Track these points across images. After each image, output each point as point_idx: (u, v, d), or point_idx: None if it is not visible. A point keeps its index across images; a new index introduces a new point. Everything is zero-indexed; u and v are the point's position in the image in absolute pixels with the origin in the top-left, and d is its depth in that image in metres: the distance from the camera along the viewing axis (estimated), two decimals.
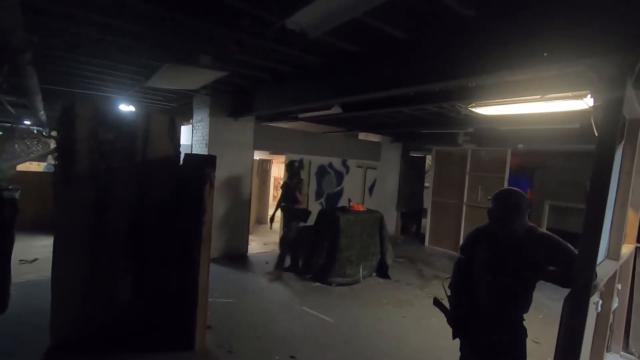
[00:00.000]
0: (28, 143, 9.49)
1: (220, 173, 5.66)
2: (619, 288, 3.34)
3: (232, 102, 5.72)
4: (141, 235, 3.24)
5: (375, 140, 8.78)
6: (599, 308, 2.61)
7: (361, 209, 5.62)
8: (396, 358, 3.24)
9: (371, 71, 3.24)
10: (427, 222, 8.05)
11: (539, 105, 3.82)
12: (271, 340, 3.40)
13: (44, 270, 3.05)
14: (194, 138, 6.16)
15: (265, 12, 2.47)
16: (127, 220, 3.17)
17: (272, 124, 6.98)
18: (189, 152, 5.97)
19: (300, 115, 6.00)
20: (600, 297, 2.62)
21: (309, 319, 3.92)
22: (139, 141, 3.20)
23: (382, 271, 5.51)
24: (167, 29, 2.94)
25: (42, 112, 6.94)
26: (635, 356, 3.48)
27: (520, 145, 6.85)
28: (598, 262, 2.18)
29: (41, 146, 9.40)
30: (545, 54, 2.13)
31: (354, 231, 5.10)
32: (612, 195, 2.39)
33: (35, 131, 10.10)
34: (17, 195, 2.74)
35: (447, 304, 2.28)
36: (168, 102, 6.90)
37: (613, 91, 1.74)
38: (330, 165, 7.44)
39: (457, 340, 2.25)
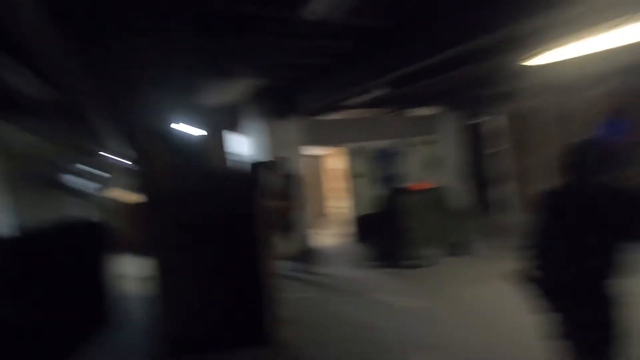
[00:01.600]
0: (115, 174, 10.61)
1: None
2: None
3: (277, 104, 5.81)
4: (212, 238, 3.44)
5: (431, 113, 8.27)
6: None
7: (426, 187, 5.37)
8: (481, 335, 3.05)
9: (411, 39, 3.04)
10: (503, 191, 7.38)
11: (622, 33, 3.22)
12: (349, 330, 3.42)
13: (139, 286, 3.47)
14: (251, 145, 6.43)
15: (278, 11, 2.46)
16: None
17: (324, 118, 6.96)
18: (257, 160, 6.19)
19: (348, 103, 5.89)
20: None
21: (387, 305, 3.85)
22: (205, 160, 3.41)
23: (458, 248, 5.21)
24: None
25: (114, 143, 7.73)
26: None
27: (613, 85, 5.86)
28: None
29: (122, 176, 10.44)
30: None
31: (421, 211, 4.90)
32: None
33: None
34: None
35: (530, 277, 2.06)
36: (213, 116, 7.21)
37: None
38: (389, 148, 7.23)
39: (547, 316, 2.02)
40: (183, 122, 7.07)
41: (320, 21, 2.39)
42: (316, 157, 9.47)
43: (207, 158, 3.20)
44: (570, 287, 1.88)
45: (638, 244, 1.67)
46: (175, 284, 3.26)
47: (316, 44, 3.26)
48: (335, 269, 5.24)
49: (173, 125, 6.94)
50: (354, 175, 6.78)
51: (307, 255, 6.02)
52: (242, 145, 6.83)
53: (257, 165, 3.28)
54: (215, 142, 3.18)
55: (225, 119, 7.17)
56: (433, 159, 8.02)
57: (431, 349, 2.95)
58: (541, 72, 5.10)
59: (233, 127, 6.93)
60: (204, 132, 3.43)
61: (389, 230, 4.98)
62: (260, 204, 3.08)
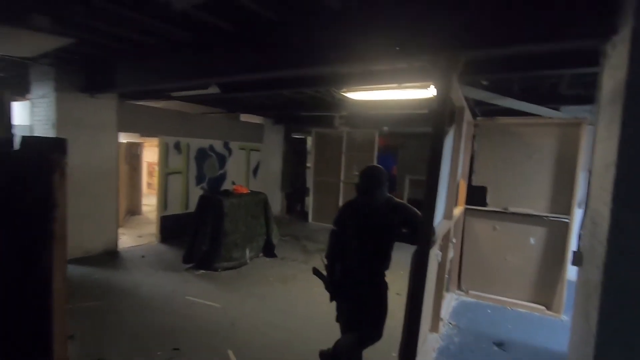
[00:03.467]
0: None
1: (76, 159, 4.85)
2: (454, 241, 4.22)
3: (86, 75, 4.85)
4: None
5: (258, 122, 8.73)
6: (439, 258, 3.27)
7: (245, 192, 5.59)
8: (282, 328, 3.43)
9: (245, 52, 3.19)
10: (310, 201, 8.53)
11: (396, 92, 4.40)
12: (151, 337, 3.18)
13: None
14: (34, 118, 5.04)
15: None
16: None
17: (140, 103, 6.22)
18: (31, 134, 4.88)
19: (174, 94, 5.51)
20: (440, 250, 3.28)
21: (194, 308, 3.79)
22: None
23: (268, 251, 5.65)
24: None
25: None
26: (465, 292, 4.47)
27: (385, 128, 7.79)
28: (437, 222, 2.72)
29: None
30: (397, 48, 2.47)
31: (238, 214, 5.06)
32: (446, 169, 2.98)
33: None
34: None
35: (325, 273, 2.53)
36: None
37: (442, 83, 2.15)
38: (211, 147, 7.12)
39: (335, 303, 2.53)
40: None
41: (163, 2, 2.22)
42: (135, 146, 8.27)
43: None
44: (348, 279, 2.43)
45: (408, 243, 2.29)
46: None
47: (151, 22, 2.96)
48: (140, 273, 4.72)
49: None
50: (169, 171, 6.31)
51: (107, 257, 5.19)
52: (23, 114, 5.27)
53: (48, 144, 2.63)
54: None
55: (6, 76, 5.37)
56: (256, 165, 8.43)
57: (236, 346, 3.10)
58: (349, 105, 6.31)
59: (17, 89, 5.27)
60: None
61: (205, 232, 4.89)
62: (57, 189, 2.49)
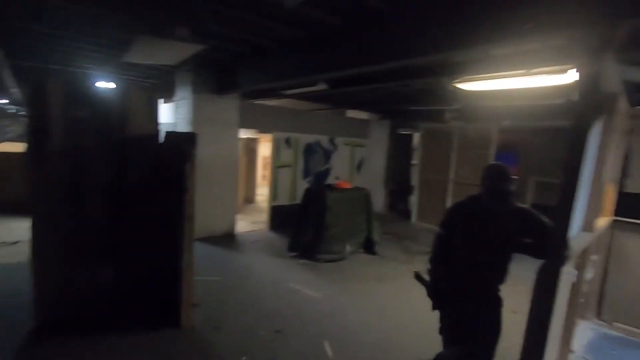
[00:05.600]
0: (6, 122, 9.18)
1: (205, 151, 5.58)
2: (595, 259, 3.46)
3: (215, 78, 5.56)
4: (121, 215, 3.19)
5: (364, 117, 8.70)
6: (574, 278, 2.70)
7: (348, 187, 5.63)
8: (376, 328, 3.34)
9: (353, 45, 3.16)
10: (414, 199, 8.14)
11: (523, 80, 3.79)
12: (257, 316, 3.46)
13: (26, 252, 3.04)
14: (177, 116, 6.02)
15: None
16: (106, 200, 3.11)
17: (257, 102, 6.85)
18: (173, 130, 5.84)
19: (286, 92, 5.87)
20: (575, 268, 2.71)
21: (295, 295, 3.99)
22: (114, 119, 3.09)
23: (368, 247, 5.59)
24: None
25: (14, 90, 6.66)
26: (607, 323, 3.64)
27: (506, 122, 6.87)
28: (572, 234, 2.24)
29: (18, 126, 9.08)
30: (527, 26, 2.10)
31: (340, 208, 5.12)
32: (588, 170, 2.42)
33: (10, 110, 9.73)
34: None
35: (428, 278, 2.33)
36: (149, 78, 6.68)
37: (591, 64, 1.72)
38: (318, 143, 7.39)
39: (437, 312, 2.31)
40: (109, 79, 6.32)
41: (276, 2, 2.34)
42: (252, 141, 9.23)
43: (127, 117, 2.90)
44: (454, 290, 2.18)
45: (532, 256, 1.95)
46: (53, 254, 2.91)
47: (266, 24, 3.18)
48: (252, 256, 5.22)
49: (95, 81, 6.16)
50: (279, 165, 6.78)
51: (227, 238, 5.91)
52: (170, 113, 6.35)
53: (183, 138, 3.09)
54: (142, 103, 2.88)
55: (158, 82, 6.60)
56: (360, 161, 8.45)
57: (331, 338, 3.13)
58: (463, 97, 5.75)
59: (166, 93, 6.40)
60: (126, 89, 3.10)
61: (308, 224, 5.10)
62: (188, 176, 2.92)
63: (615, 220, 3.56)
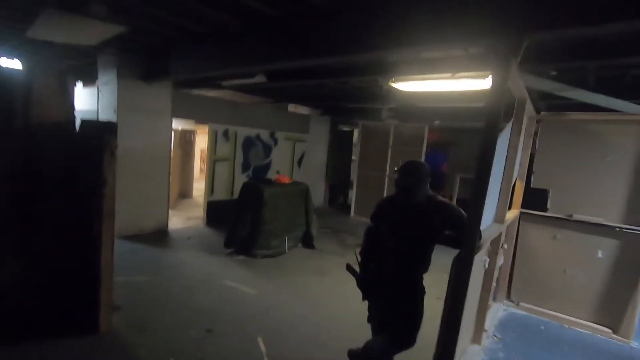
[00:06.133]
0: None
1: (133, 142, 5.19)
2: (505, 247, 3.86)
3: (145, 63, 5.14)
4: (29, 211, 2.82)
5: (305, 112, 8.73)
6: (486, 265, 2.99)
7: (287, 181, 5.60)
8: (313, 322, 3.38)
9: (289, 38, 3.12)
10: (353, 194, 8.39)
11: (450, 83, 4.08)
12: (188, 315, 3.30)
13: None
14: (100, 103, 5.46)
15: None
16: (6, 194, 2.72)
17: (194, 91, 6.50)
18: (95, 118, 5.31)
19: (224, 83, 5.65)
20: (488, 256, 3.00)
21: (231, 292, 3.88)
22: (18, 102, 2.70)
23: (307, 242, 5.64)
24: None
25: None
26: (515, 303, 4.10)
27: (437, 122, 7.37)
28: (485, 225, 2.46)
29: None
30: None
31: (278, 203, 5.08)
32: (499, 168, 2.69)
33: None
34: None
35: (359, 270, 2.41)
36: (67, 59, 5.96)
37: (501, 72, 1.90)
38: (258, 137, 7.25)
39: (367, 302, 2.41)
40: (15, 57, 5.48)
41: None
42: (189, 132, 8.73)
43: (34, 102, 2.53)
44: (381, 279, 2.28)
45: (450, 246, 2.09)
46: None
47: (197, 8, 3.00)
48: (186, 253, 4.96)
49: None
50: (216, 159, 6.53)
51: (158, 236, 5.54)
52: (90, 99, 5.75)
53: (101, 127, 2.80)
54: (53, 86, 2.53)
55: (77, 63, 5.90)
56: (300, 156, 8.46)
57: (267, 334, 3.11)
58: (398, 96, 6.04)
59: (86, 76, 5.76)
60: (34, 70, 2.68)
61: (245, 219, 4.99)
62: (107, 168, 2.66)
63: (522, 213, 4.02)
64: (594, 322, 3.70)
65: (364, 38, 2.67)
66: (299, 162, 8.46)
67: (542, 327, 3.70)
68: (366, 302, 2.41)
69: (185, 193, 8.69)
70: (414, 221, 2.15)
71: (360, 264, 2.39)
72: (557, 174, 3.91)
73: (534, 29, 1.95)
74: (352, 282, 2.40)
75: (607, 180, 3.64)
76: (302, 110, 8.73)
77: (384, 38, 2.56)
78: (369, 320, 2.39)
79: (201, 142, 10.08)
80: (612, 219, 3.62)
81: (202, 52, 4.06)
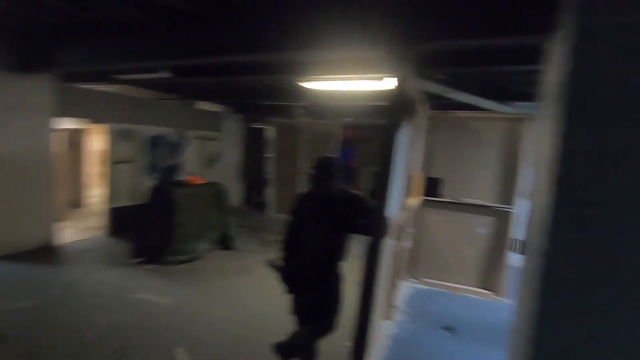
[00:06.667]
0: None
1: (4, 147, 4.38)
2: (411, 231, 4.33)
3: (19, 52, 4.34)
4: None
5: (216, 110, 8.41)
6: (394, 249, 3.33)
7: (200, 182, 5.36)
8: (238, 323, 3.34)
9: (198, 34, 3.00)
10: (269, 192, 8.40)
11: (357, 83, 4.39)
12: (94, 336, 2.96)
13: None
14: None
15: None
16: None
17: (85, 86, 5.72)
18: None
19: (121, 77, 5.12)
20: (395, 240, 3.34)
21: (143, 305, 3.59)
22: None
23: (225, 243, 5.49)
24: None
25: None
26: (420, 280, 4.63)
27: (347, 119, 7.81)
28: (392, 213, 2.75)
29: None
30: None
31: (191, 205, 4.84)
32: (401, 161, 3.01)
33: None
34: None
35: (281, 265, 2.46)
36: None
37: (397, 74, 2.14)
38: (164, 136, 6.75)
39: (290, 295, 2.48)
40: None
41: None
42: (79, 133, 7.61)
43: None
44: (303, 271, 2.38)
45: (361, 235, 2.26)
46: None
47: None
48: (84, 269, 4.39)
49: None
50: (117, 161, 5.90)
51: (45, 252, 4.77)
52: None
53: None
54: None
55: None
56: (213, 155, 8.13)
57: (189, 343, 2.97)
58: (310, 95, 6.23)
59: None
60: None
61: (155, 225, 4.64)
62: None
63: (424, 199, 4.55)
64: (479, 287, 4.41)
65: (275, 39, 2.71)
66: (212, 162, 8.13)
67: (442, 298, 4.26)
68: (290, 295, 2.49)
69: (78, 201, 7.62)
70: (330, 213, 2.29)
71: (283, 259, 2.45)
72: (447, 165, 4.53)
73: (425, 39, 2.23)
74: (274, 278, 2.45)
75: (483, 169, 4.35)
76: (213, 107, 8.39)
77: (294, 40, 2.65)
78: (293, 312, 2.48)
79: (97, 143, 8.94)
80: (488, 200, 4.34)
81: (99, 43, 3.63)
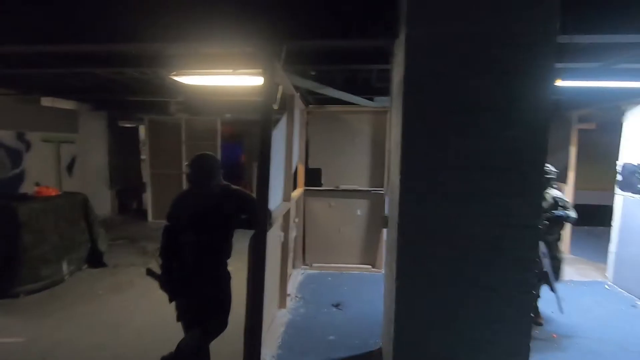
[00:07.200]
0: None
1: None
2: (296, 221, 4.53)
3: None
4: None
5: (69, 107, 7.13)
6: (282, 239, 3.45)
7: (54, 194, 4.53)
8: (115, 346, 2.99)
9: (34, 14, 2.51)
10: (148, 197, 7.62)
11: (232, 78, 4.31)
12: None
13: None
14: None
15: None
16: None
17: None
18: None
19: None
20: (282, 230, 3.46)
21: None
22: None
23: (95, 260, 4.79)
24: None
25: None
26: (309, 266, 4.90)
27: (228, 115, 7.60)
28: (275, 205, 2.83)
29: None
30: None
31: (44, 222, 4.05)
32: (280, 154, 3.12)
33: None
34: None
35: (160, 272, 2.30)
36: None
37: (267, 70, 2.21)
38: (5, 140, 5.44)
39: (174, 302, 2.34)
40: None
41: None
42: None
43: None
44: (186, 275, 2.28)
45: (247, 229, 2.26)
46: None
47: None
48: None
49: None
50: None
51: None
52: None
53: None
54: None
55: None
56: (70, 160, 6.91)
57: None
58: (185, 90, 5.83)
59: None
60: None
61: None
62: None
63: (305, 190, 4.80)
64: (360, 264, 4.91)
65: (140, 27, 2.46)
66: (69, 169, 6.91)
67: (329, 279, 4.61)
68: (174, 303, 2.35)
69: None
70: (211, 211, 2.24)
71: (162, 265, 2.30)
72: (325, 155, 4.87)
73: (287, 38, 2.34)
74: (157, 289, 2.28)
75: (356, 157, 4.83)
76: (65, 104, 7.09)
77: (162, 31, 2.45)
78: (179, 318, 2.35)
79: None
80: (363, 185, 4.85)
81: None
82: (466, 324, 1.89)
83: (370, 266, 4.88)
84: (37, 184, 5.08)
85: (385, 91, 5.26)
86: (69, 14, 2.48)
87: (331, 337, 3.19)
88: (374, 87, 5.19)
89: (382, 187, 4.78)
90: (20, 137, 5.82)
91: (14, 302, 3.71)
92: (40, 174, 6.10)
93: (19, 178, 5.77)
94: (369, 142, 4.82)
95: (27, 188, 5.60)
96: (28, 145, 5.94)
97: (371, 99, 5.36)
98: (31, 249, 3.87)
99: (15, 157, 5.73)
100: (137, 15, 2.45)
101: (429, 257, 1.89)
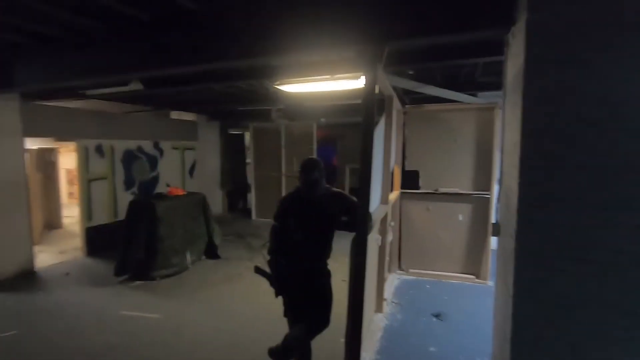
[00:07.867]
0: None
1: None
2: (392, 224, 4.43)
3: None
4: None
5: (190, 119, 8.30)
6: (379, 242, 3.41)
7: (181, 193, 5.29)
8: (229, 331, 3.34)
9: (167, 44, 2.98)
10: (252, 197, 8.36)
11: (330, 83, 4.45)
12: (85, 359, 2.89)
13: None
14: None
15: None
16: None
17: (51, 104, 5.54)
18: None
19: (88, 92, 4.98)
20: (379, 234, 3.43)
21: (130, 322, 3.52)
22: None
23: (211, 252, 5.44)
24: None
25: None
26: (405, 271, 4.74)
27: (323, 119, 7.87)
28: (373, 208, 2.82)
29: None
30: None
31: (174, 217, 4.78)
32: (379, 156, 3.09)
33: None
34: None
35: (268, 269, 2.49)
36: None
37: (369, 73, 2.21)
38: (140, 149, 6.61)
39: (281, 298, 2.50)
40: None
41: None
42: (49, 152, 7.34)
43: None
44: (292, 272, 2.41)
45: (347, 231, 2.31)
46: None
47: (47, 10, 2.62)
48: (65, 292, 4.26)
49: None
50: (91, 178, 5.74)
51: (22, 279, 4.58)
52: None
53: None
54: None
55: None
56: (192, 165, 8.02)
57: (180, 356, 2.95)
58: (285, 97, 6.25)
59: None
60: None
61: (138, 240, 4.55)
62: None
63: (402, 193, 4.67)
64: (461, 273, 4.56)
65: (246, 45, 2.73)
66: (191, 172, 8.02)
67: (428, 286, 4.38)
68: (280, 298, 2.51)
69: (52, 223, 7.36)
70: (318, 213, 2.34)
71: (270, 262, 2.48)
72: (423, 157, 4.66)
73: (391, 38, 2.31)
74: (264, 284, 2.47)
75: (458, 158, 4.50)
76: (188, 116, 8.28)
77: (264, 45, 2.67)
78: (285, 314, 2.51)
79: (67, 161, 8.65)
80: (465, 188, 4.50)
81: (59, 59, 3.53)
82: (600, 356, 1.59)
83: (473, 276, 4.50)
84: (168, 185, 6.01)
85: (491, 86, 4.80)
86: (196, 42, 2.88)
87: (432, 349, 3.03)
88: (478, 82, 4.79)
89: (487, 190, 4.37)
90: (156, 145, 6.97)
91: (152, 284, 4.46)
92: (169, 176, 7.23)
93: (155, 180, 6.93)
94: (472, 141, 4.45)
95: (160, 188, 6.69)
96: (161, 153, 7.09)
97: (474, 95, 4.96)
98: (165, 240, 4.60)
99: (153, 162, 6.90)
100: (250, 34, 2.71)
101: (556, 273, 1.64)
